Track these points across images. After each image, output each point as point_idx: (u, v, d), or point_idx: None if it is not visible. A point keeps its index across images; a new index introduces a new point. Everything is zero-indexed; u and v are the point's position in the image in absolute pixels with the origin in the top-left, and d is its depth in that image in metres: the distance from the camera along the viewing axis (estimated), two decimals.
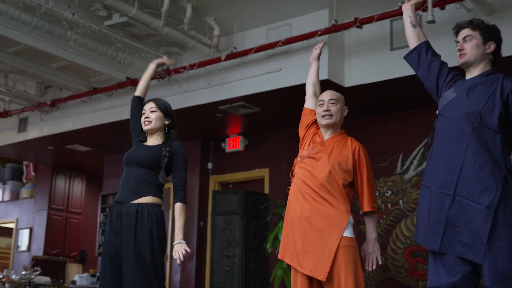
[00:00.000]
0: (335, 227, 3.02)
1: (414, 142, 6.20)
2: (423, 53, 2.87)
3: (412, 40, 2.93)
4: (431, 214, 2.65)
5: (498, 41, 2.76)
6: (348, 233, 3.03)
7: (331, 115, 3.21)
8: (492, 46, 2.72)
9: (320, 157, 3.17)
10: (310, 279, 3.05)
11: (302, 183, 3.16)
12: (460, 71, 2.85)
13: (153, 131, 3.34)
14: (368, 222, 3.19)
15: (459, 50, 2.75)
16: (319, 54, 3.54)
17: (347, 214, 3.05)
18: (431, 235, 2.63)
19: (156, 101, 3.39)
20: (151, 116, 3.33)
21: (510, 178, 2.55)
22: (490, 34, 2.73)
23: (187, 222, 7.42)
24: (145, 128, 3.34)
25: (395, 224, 6.16)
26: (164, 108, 3.37)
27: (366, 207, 3.15)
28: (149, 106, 3.36)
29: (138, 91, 3.57)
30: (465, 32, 2.76)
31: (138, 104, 3.51)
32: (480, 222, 2.50)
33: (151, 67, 3.67)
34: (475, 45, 2.72)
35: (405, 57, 2.97)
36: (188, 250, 3.09)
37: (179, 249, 3.12)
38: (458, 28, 2.81)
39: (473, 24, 2.75)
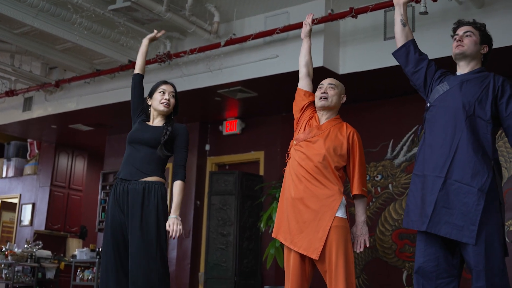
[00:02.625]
0: (328, 207, 3.08)
1: (404, 128, 6.27)
2: (411, 51, 2.97)
3: (400, 37, 3.02)
4: (424, 198, 2.73)
5: (490, 46, 2.92)
6: (340, 213, 3.09)
7: (326, 98, 3.28)
8: (485, 49, 2.88)
9: (316, 140, 3.23)
10: (303, 258, 3.12)
11: (297, 165, 3.21)
12: (447, 68, 2.98)
13: (165, 113, 3.35)
14: (358, 206, 3.25)
15: (459, 40, 2.86)
16: (310, 30, 3.57)
17: (339, 195, 3.11)
18: (422, 217, 2.71)
19: (175, 87, 3.41)
20: (171, 100, 3.34)
21: (496, 168, 2.67)
22: (487, 38, 2.90)
23: (185, 201, 7.52)
24: (162, 108, 3.32)
25: (384, 207, 6.25)
26: (177, 96, 3.41)
27: (355, 190, 3.21)
28: (170, 89, 3.38)
29: (138, 69, 3.52)
30: (467, 28, 2.89)
31: (140, 81, 3.49)
32: (472, 204, 2.58)
33: (145, 42, 3.62)
34: (474, 41, 2.85)
35: (393, 54, 3.05)
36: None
37: (173, 223, 3.11)
38: (459, 24, 2.94)
39: (476, 25, 2.90)
